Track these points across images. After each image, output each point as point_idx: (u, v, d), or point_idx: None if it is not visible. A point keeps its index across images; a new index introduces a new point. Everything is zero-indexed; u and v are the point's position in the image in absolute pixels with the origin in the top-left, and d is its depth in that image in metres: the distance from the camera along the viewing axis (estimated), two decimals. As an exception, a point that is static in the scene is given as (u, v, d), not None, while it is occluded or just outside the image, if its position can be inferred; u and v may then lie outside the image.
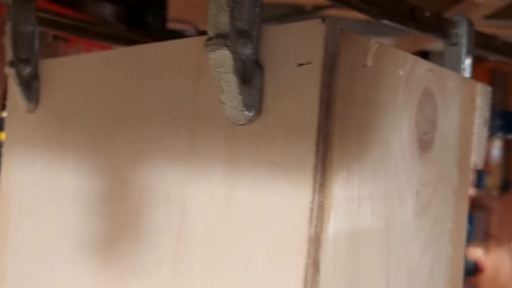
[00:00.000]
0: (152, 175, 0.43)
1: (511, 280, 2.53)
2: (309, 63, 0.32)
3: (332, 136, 0.32)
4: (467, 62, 0.62)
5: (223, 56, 0.34)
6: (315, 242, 0.31)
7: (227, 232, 0.36)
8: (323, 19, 0.32)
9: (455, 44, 0.66)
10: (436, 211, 0.47)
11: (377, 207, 0.38)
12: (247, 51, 0.35)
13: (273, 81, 0.34)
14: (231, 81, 0.34)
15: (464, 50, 0.65)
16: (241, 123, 0.36)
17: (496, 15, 1.27)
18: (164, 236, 0.41)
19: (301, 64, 0.33)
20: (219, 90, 0.35)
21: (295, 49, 0.33)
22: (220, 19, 0.34)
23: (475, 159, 0.53)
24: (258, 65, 0.35)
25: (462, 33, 0.66)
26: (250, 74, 0.35)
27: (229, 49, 0.33)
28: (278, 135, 0.34)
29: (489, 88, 0.55)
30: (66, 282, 0.52)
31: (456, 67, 0.60)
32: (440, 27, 0.65)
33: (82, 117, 0.53)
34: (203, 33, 0.38)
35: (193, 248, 0.38)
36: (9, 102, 0.69)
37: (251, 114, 0.35)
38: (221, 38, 0.33)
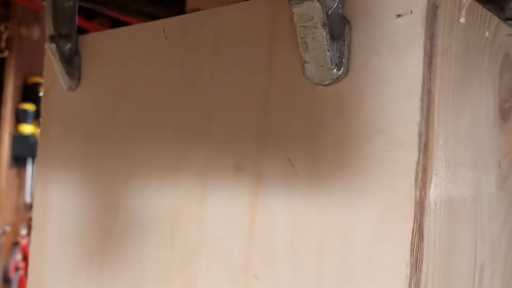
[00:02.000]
0: (221, 143, 0.40)
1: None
2: (410, 12, 0.29)
3: (433, 93, 0.30)
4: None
5: (311, 9, 0.31)
6: (420, 207, 0.29)
7: (314, 204, 0.34)
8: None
9: (511, 19, 0.63)
10: (512, 185, 0.44)
11: (468, 176, 0.35)
12: (334, 3, 0.32)
13: (364, 36, 0.32)
14: (318, 36, 0.32)
15: (520, 24, 0.62)
16: (327, 83, 0.33)
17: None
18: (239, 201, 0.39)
19: (399, 15, 0.30)
20: (303, 48, 0.33)
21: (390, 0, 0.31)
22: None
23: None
24: (345, 19, 0.33)
25: (518, 7, 0.63)
26: (338, 30, 0.32)
27: (318, 0, 0.30)
28: (371, 94, 0.31)
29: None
30: None
31: None
32: (496, 0, 0.62)
33: (135, 93, 0.51)
34: None
35: (275, 218, 0.36)
36: (45, 82, 0.67)
37: (339, 72, 0.32)
38: (308, -10, 0.31)
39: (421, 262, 0.29)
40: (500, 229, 0.42)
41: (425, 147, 0.29)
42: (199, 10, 0.48)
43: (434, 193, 0.30)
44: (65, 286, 0.57)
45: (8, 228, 2.23)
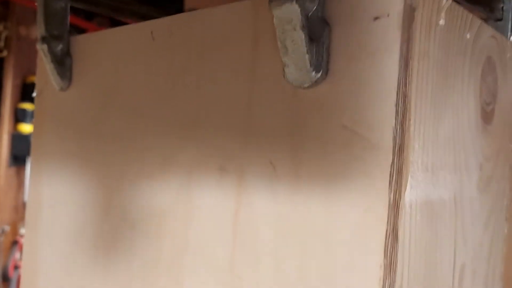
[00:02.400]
0: (206, 145, 0.41)
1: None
2: (387, 15, 0.30)
3: (409, 97, 0.30)
4: (512, 37, 0.60)
5: (290, 11, 0.31)
6: (394, 209, 0.29)
7: (296, 205, 0.34)
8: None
9: (500, 20, 0.63)
10: (496, 187, 0.45)
11: (448, 178, 0.36)
12: (313, 6, 0.32)
13: (343, 38, 0.32)
14: (297, 39, 0.32)
15: (510, 25, 0.62)
16: (306, 85, 0.33)
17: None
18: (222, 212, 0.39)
19: (376, 18, 0.30)
20: (283, 51, 0.33)
21: (368, 2, 0.31)
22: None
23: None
24: (325, 22, 0.33)
25: (508, 8, 0.63)
26: (317, 32, 0.33)
27: (297, 3, 0.31)
28: (350, 97, 0.31)
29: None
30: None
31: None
32: (486, 1, 0.62)
33: (124, 94, 0.51)
34: None
35: (258, 219, 0.36)
36: (38, 81, 0.67)
37: (318, 75, 0.33)
38: (287, -7, 0.31)
39: (396, 264, 0.29)
40: (482, 231, 0.42)
41: (399, 150, 0.29)
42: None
43: (409, 195, 0.30)
44: (57, 284, 0.57)
45: (7, 227, 2.24)
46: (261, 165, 0.36)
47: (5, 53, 2.08)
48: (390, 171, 0.29)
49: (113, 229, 0.50)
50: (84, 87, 0.59)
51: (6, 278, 2.28)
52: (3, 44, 2.06)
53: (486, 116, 0.42)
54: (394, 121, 0.29)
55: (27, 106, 2.17)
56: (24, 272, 0.63)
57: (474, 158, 0.40)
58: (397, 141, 0.29)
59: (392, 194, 0.29)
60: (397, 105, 0.29)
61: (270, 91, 0.36)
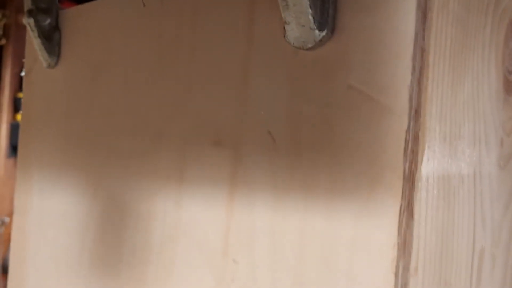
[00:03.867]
0: (199, 117, 0.37)
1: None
2: (403, -39, 0.26)
3: (428, 51, 0.26)
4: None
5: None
6: (410, 182, 0.25)
7: (296, 180, 0.30)
8: None
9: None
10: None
11: (467, 151, 0.32)
12: (318, -44, 0.29)
13: (351, -9, 0.28)
14: (300, -8, 0.28)
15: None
16: (309, 46, 0.30)
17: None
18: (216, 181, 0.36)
19: (390, -35, 0.27)
20: (283, 6, 0.29)
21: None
22: None
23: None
24: (330, -26, 0.29)
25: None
26: (322, -15, 0.29)
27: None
28: (358, 55, 0.28)
29: None
30: None
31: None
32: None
33: (115, 68, 0.47)
34: None
35: (256, 197, 0.33)
36: (27, 60, 0.64)
37: (322, 33, 0.29)
38: None
39: (411, 244, 0.25)
40: (502, 213, 0.39)
41: (416, 114, 0.26)
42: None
43: (426, 167, 0.27)
44: (46, 273, 0.54)
45: (7, 219, 2.21)
46: (258, 136, 0.33)
47: (3, 42, 2.04)
48: (406, 138, 0.25)
49: (101, 214, 0.47)
50: (73, 63, 0.56)
51: (6, 270, 2.26)
52: (1, 32, 2.02)
53: (509, 86, 0.38)
54: (410, 78, 0.25)
55: (27, 95, 2.12)
56: (12, 261, 0.60)
57: (495, 131, 0.36)
58: (413, 103, 0.25)
59: (407, 164, 0.25)
60: (414, 59, 0.25)
61: (268, 54, 0.32)
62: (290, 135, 0.31)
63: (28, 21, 0.57)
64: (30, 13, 0.57)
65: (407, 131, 0.25)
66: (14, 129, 2.12)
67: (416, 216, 0.26)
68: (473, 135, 0.33)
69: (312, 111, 0.30)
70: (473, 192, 0.33)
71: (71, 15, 0.57)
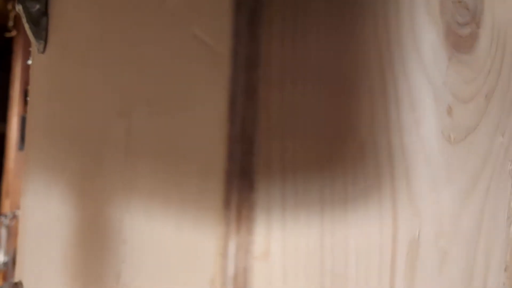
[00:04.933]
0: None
1: None
2: None
3: None
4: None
5: None
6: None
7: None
8: None
9: None
10: (485, 146, 0.33)
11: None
12: None
13: None
14: None
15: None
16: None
17: None
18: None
19: None
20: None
21: None
22: None
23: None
24: None
25: None
26: None
27: None
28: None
29: None
30: None
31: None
32: None
33: (108, 48, 0.46)
34: None
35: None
36: (32, 47, 0.66)
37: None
38: None
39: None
40: (459, 203, 0.32)
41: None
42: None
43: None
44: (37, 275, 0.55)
45: (18, 212, 2.19)
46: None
47: (14, 33, 1.95)
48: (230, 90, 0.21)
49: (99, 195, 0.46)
50: (61, 47, 0.56)
51: None
52: (12, 24, 1.93)
53: (459, 41, 0.31)
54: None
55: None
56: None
57: (433, 97, 0.30)
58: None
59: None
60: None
61: None
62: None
63: (18, 8, 0.59)
64: (19, 0, 0.58)
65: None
66: (25, 121, 1.98)
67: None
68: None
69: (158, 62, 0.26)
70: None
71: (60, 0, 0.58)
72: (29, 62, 0.69)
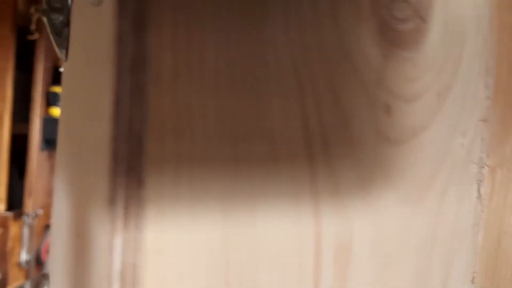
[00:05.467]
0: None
1: None
2: None
3: None
4: None
5: None
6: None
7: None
8: None
9: None
10: (436, 148, 0.32)
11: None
12: None
13: None
14: None
15: None
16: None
17: None
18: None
19: None
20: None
21: None
22: None
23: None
24: None
25: None
26: None
27: None
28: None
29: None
30: None
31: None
32: None
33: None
34: None
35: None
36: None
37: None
38: None
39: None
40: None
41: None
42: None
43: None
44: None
45: (40, 211, 2.16)
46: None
47: (36, 36, 1.97)
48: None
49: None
50: (74, 57, 0.60)
51: (39, 262, 2.22)
52: (34, 27, 2.00)
53: (400, 38, 0.30)
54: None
55: (59, 89, 2.07)
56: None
57: (367, 96, 0.29)
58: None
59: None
60: None
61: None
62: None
63: (44, 20, 0.64)
64: (44, 12, 0.64)
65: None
66: (47, 123, 2.08)
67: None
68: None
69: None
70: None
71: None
72: (61, 69, 0.74)
